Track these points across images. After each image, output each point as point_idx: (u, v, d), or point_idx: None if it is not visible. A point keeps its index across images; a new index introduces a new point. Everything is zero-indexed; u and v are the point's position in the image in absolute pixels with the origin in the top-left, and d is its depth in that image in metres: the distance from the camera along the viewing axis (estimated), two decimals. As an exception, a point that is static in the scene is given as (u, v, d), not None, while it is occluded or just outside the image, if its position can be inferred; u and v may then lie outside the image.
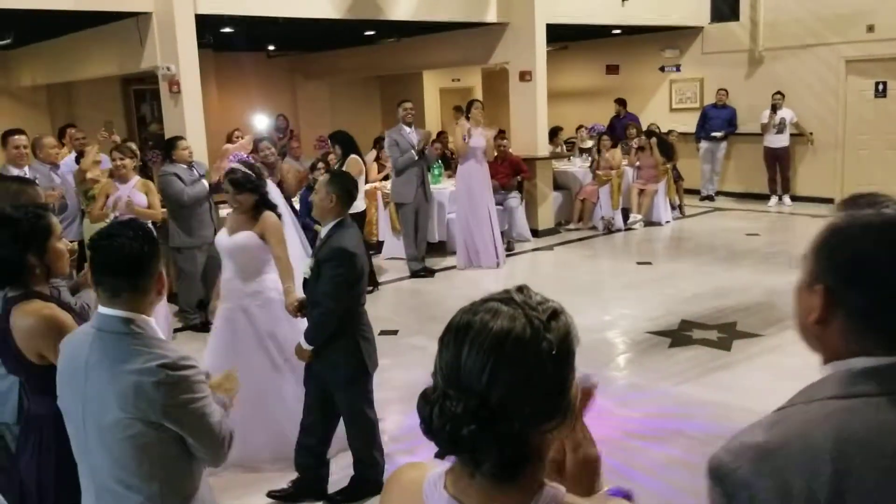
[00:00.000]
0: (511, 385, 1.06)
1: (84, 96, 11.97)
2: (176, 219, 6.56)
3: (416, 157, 8.08)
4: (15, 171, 6.04)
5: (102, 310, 2.04)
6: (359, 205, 7.95)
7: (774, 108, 11.53)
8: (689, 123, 12.56)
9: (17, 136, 6.35)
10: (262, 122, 13.01)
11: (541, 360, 1.08)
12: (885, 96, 11.06)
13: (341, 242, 3.56)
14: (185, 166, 6.65)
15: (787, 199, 11.92)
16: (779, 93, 11.54)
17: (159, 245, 2.14)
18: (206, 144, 7.87)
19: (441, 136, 11.50)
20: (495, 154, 9.09)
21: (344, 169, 7.50)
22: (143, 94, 12.51)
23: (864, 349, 1.12)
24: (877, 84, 11.16)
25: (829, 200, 10.72)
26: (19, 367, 2.49)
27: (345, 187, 3.64)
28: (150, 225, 4.94)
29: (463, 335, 1.10)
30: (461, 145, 8.39)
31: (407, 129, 8.15)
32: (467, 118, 8.48)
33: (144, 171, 7.85)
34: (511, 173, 9.66)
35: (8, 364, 2.57)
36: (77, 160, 7.22)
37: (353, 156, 7.60)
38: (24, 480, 2.50)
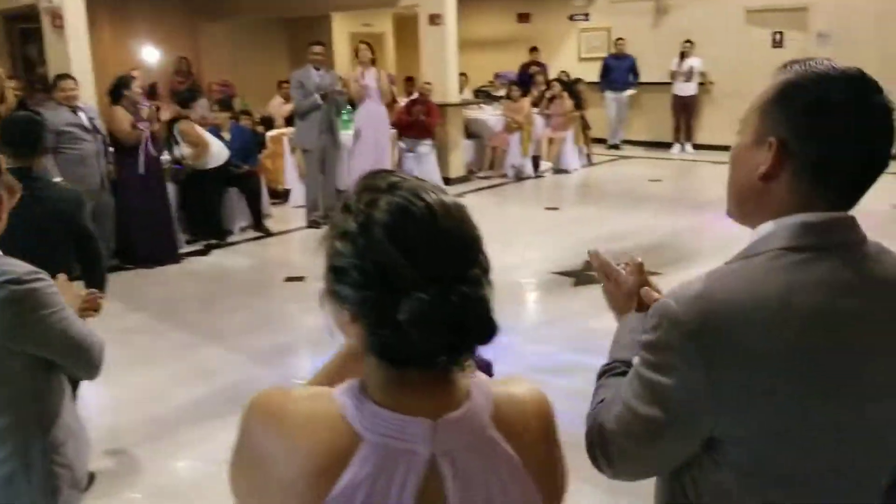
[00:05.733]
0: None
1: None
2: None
3: (320, 102, 7.86)
4: None
5: None
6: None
7: (683, 56, 11.76)
8: (597, 73, 12.65)
9: None
10: (151, 58, 12.50)
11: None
12: (782, 47, 11.42)
13: None
14: (68, 110, 6.08)
15: (689, 146, 12.26)
16: (688, 41, 11.74)
17: None
18: (94, 86, 7.42)
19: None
20: (399, 98, 9.03)
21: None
22: (29, 34, 11.68)
23: (809, 205, 1.12)
24: (774, 34, 11.53)
25: (727, 148, 11.05)
26: None
27: None
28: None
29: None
30: (354, 88, 8.35)
31: (314, 71, 7.90)
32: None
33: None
34: (432, 121, 9.64)
35: None
36: None
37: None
38: None
